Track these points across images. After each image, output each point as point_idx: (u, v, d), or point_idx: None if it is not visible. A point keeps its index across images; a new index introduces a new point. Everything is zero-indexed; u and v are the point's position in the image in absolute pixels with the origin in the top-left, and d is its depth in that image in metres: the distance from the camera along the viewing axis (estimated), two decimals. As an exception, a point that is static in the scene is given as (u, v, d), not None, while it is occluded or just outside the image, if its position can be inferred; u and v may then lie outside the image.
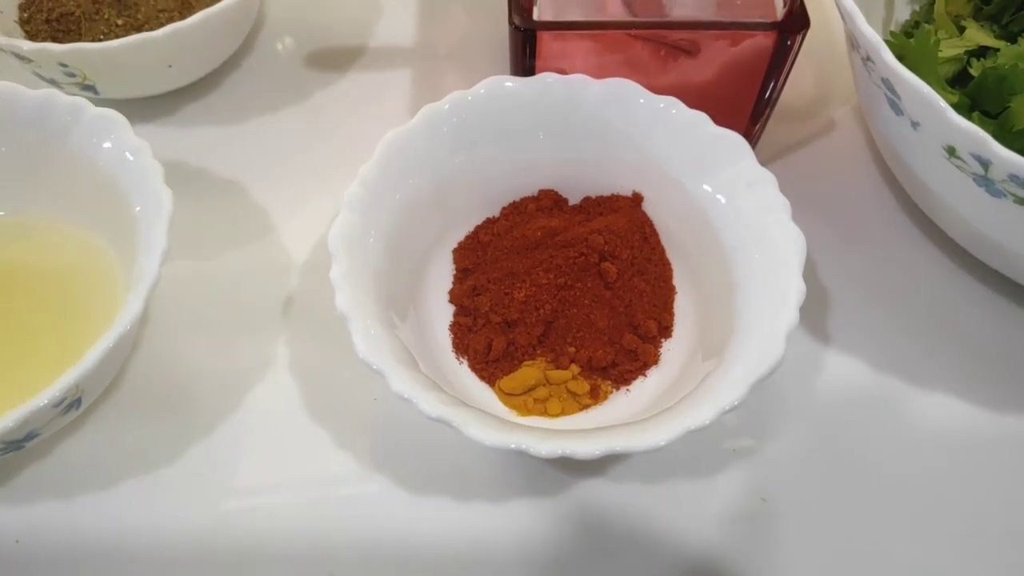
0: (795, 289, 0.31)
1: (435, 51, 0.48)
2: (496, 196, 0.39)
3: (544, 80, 0.37)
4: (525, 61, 0.38)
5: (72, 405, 0.32)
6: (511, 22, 0.37)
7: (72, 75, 0.40)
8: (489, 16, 0.49)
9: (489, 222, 0.39)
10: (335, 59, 0.48)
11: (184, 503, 0.34)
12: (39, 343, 0.35)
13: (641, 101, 0.36)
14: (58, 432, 0.34)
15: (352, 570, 0.33)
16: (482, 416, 0.29)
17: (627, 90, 0.37)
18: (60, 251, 0.37)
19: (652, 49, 0.41)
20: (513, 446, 0.28)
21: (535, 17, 0.37)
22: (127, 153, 0.35)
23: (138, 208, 0.34)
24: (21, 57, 0.40)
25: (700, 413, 0.29)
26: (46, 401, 0.29)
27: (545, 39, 0.38)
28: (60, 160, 0.36)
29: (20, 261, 0.37)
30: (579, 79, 0.37)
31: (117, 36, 0.43)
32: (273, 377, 0.37)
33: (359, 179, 0.34)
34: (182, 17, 0.44)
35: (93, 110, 0.35)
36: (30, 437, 0.32)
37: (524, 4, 0.37)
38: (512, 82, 0.36)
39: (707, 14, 0.40)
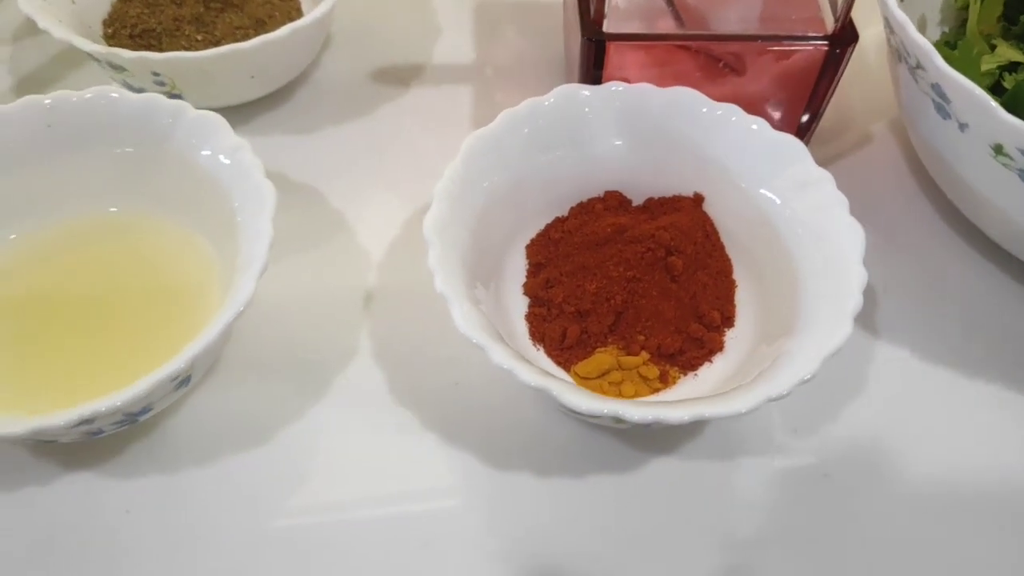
0: (857, 274, 0.34)
1: (490, 68, 0.51)
2: (565, 196, 0.41)
3: (613, 88, 0.39)
4: (593, 71, 0.41)
5: (183, 382, 0.34)
6: (583, 34, 0.40)
7: (162, 83, 0.43)
8: (539, 37, 0.52)
9: (559, 220, 0.41)
10: (398, 75, 0.50)
11: (276, 480, 0.36)
12: (142, 328, 0.37)
13: (703, 109, 0.39)
14: (160, 411, 0.36)
15: (442, 540, 0.35)
16: (574, 386, 0.32)
17: (689, 98, 0.39)
18: (161, 245, 0.39)
19: (702, 62, 0.44)
20: (607, 411, 0.31)
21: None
22: (227, 151, 0.37)
23: (238, 202, 0.37)
24: (115, 66, 0.42)
25: (778, 384, 0.31)
26: (167, 374, 0.31)
27: (609, 51, 0.40)
28: (162, 160, 0.38)
29: (125, 254, 0.39)
30: (645, 87, 0.39)
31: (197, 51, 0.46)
32: (358, 364, 0.39)
33: (447, 175, 0.36)
34: (256, 34, 0.47)
35: (193, 112, 0.38)
36: (145, 411, 0.34)
37: (596, 19, 0.40)
38: (585, 90, 0.39)
39: (750, 29, 0.43)
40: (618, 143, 0.40)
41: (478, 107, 0.49)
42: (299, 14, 0.50)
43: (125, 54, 0.40)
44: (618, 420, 0.33)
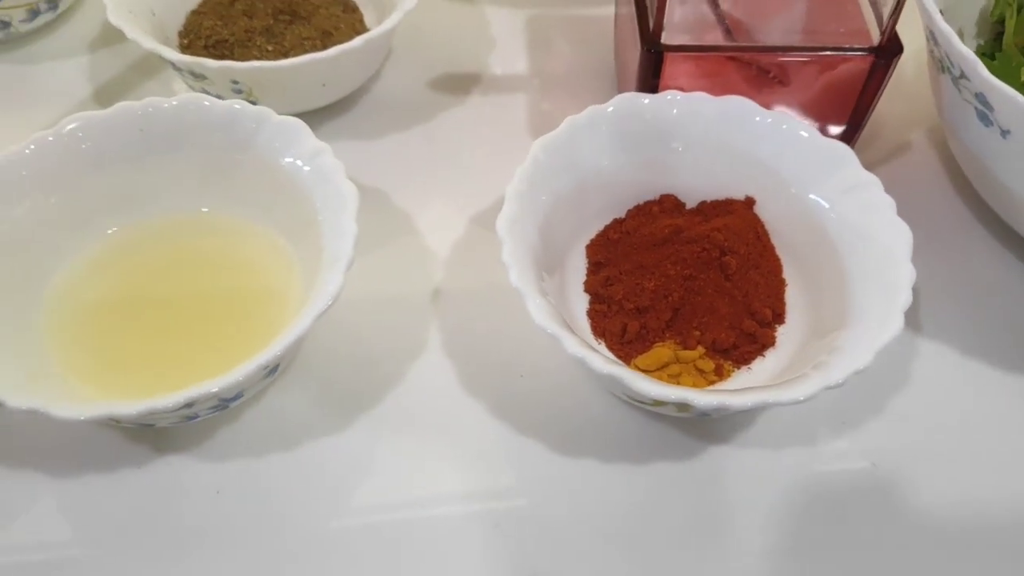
0: (906, 273, 0.36)
1: (544, 79, 0.53)
2: (623, 199, 0.43)
3: (669, 97, 0.42)
4: (651, 80, 0.43)
5: (272, 371, 0.36)
6: (643, 45, 0.42)
7: (240, 91, 0.45)
8: (589, 48, 0.55)
9: (617, 222, 0.43)
10: (454, 85, 0.53)
11: (351, 469, 0.38)
12: (227, 320, 0.39)
13: (756, 117, 0.41)
14: (247, 399, 0.38)
15: (509, 529, 0.37)
16: (642, 375, 0.34)
17: (742, 106, 0.42)
18: (244, 243, 0.41)
19: (748, 72, 0.46)
20: (675, 398, 0.33)
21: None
22: (309, 155, 0.39)
23: (319, 203, 0.39)
24: (197, 75, 0.45)
25: (834, 374, 0.33)
26: (265, 360, 0.33)
27: (665, 61, 0.43)
28: (245, 163, 0.41)
29: (212, 250, 0.41)
30: (700, 96, 0.42)
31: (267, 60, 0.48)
32: (428, 358, 0.41)
33: (517, 177, 0.39)
34: (324, 45, 0.50)
35: (276, 118, 0.40)
36: (237, 397, 0.36)
37: (655, 32, 0.42)
38: (644, 98, 0.41)
39: (794, 41, 0.45)
40: (674, 148, 0.42)
41: (532, 115, 0.51)
42: (362, 26, 0.52)
43: (210, 64, 0.43)
44: (683, 407, 0.35)
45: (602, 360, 0.33)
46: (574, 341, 0.34)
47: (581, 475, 0.38)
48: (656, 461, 0.39)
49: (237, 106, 0.40)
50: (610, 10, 0.55)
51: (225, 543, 0.36)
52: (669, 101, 0.41)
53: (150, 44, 0.44)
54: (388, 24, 0.45)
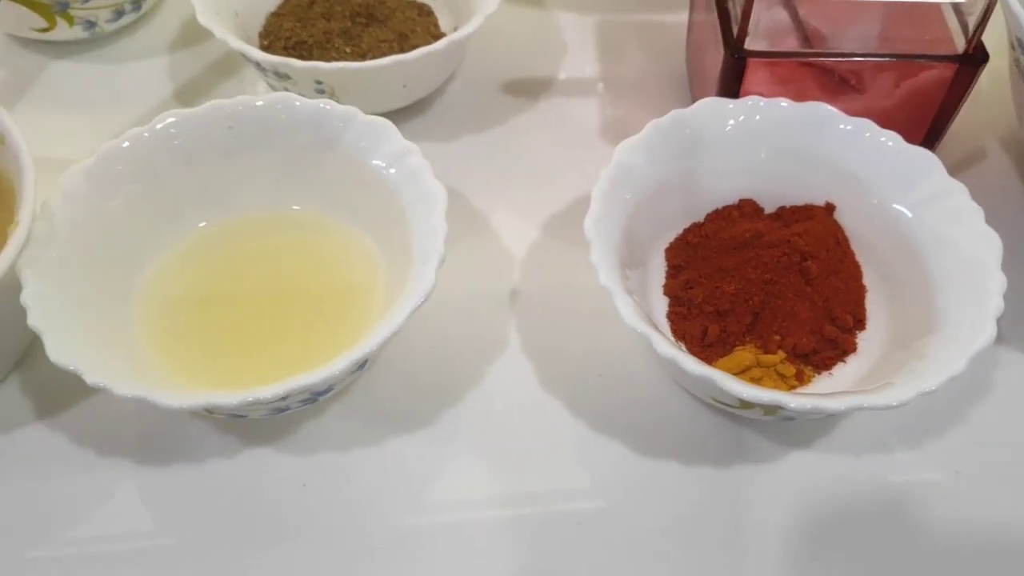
0: (997, 280, 0.36)
1: (614, 84, 0.54)
2: (702, 203, 0.43)
3: (751, 102, 0.42)
4: (733, 85, 0.43)
5: (362, 365, 0.37)
6: (727, 51, 0.42)
7: (323, 91, 0.46)
8: (660, 54, 0.55)
9: (696, 225, 0.43)
10: (526, 89, 0.53)
11: (431, 466, 0.38)
12: (314, 315, 0.40)
13: (838, 124, 0.41)
14: (333, 394, 0.39)
15: (589, 527, 0.37)
16: (732, 376, 0.34)
17: (825, 113, 0.42)
18: (330, 241, 0.42)
19: (824, 79, 0.46)
20: (768, 400, 0.33)
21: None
22: (396, 155, 0.40)
23: (407, 202, 0.39)
24: (281, 75, 0.46)
25: (929, 380, 0.33)
26: (361, 355, 0.34)
27: (748, 67, 0.43)
28: (332, 162, 0.41)
29: (298, 246, 0.42)
30: (783, 102, 0.42)
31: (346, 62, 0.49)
32: (508, 357, 0.42)
33: (602, 178, 0.39)
34: (400, 47, 0.50)
35: (363, 117, 0.41)
36: (327, 391, 0.37)
37: (740, 37, 0.42)
38: (728, 103, 0.41)
39: (870, 48, 0.45)
40: (754, 153, 0.43)
41: (603, 120, 0.52)
42: (437, 29, 0.53)
43: (296, 64, 0.44)
44: (771, 410, 0.35)
45: (694, 361, 0.34)
46: (664, 341, 0.34)
47: (659, 476, 0.38)
48: (735, 464, 0.39)
49: (325, 105, 0.41)
50: (680, 16, 0.55)
51: (308, 535, 0.37)
52: (752, 106, 0.42)
53: (238, 45, 0.45)
54: (470, 27, 0.46)
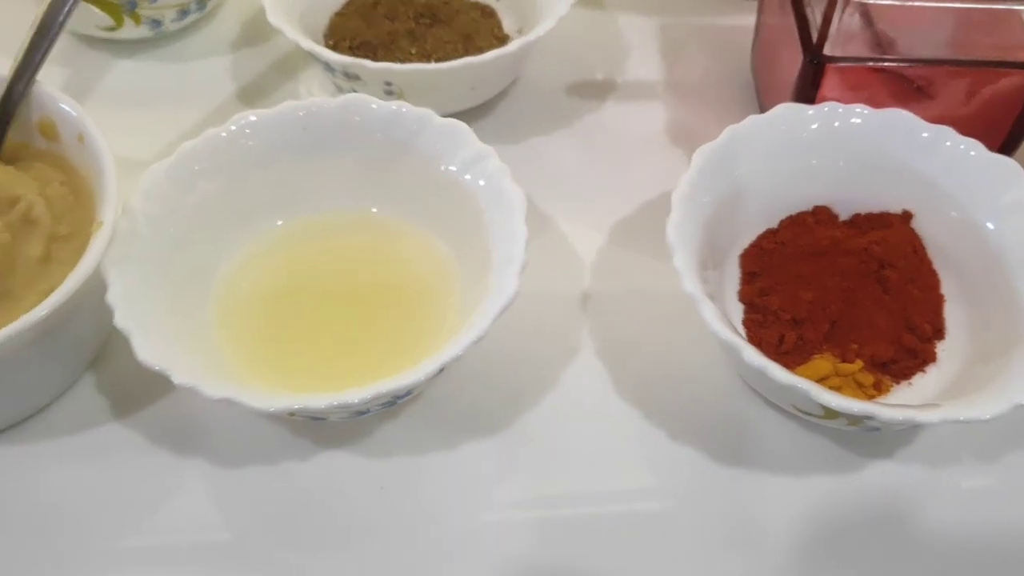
0: (1088, 292, 0.35)
1: (678, 87, 0.53)
2: (776, 209, 0.43)
3: (830, 108, 0.41)
4: (810, 91, 0.43)
5: (441, 369, 0.37)
6: (806, 56, 0.42)
7: (391, 92, 0.46)
8: (724, 57, 0.55)
9: (770, 232, 0.43)
10: (590, 91, 0.53)
11: (505, 469, 0.38)
12: (389, 317, 0.40)
13: (918, 131, 0.41)
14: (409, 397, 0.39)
15: (653, 531, 0.37)
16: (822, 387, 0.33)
17: (904, 119, 0.41)
18: (402, 242, 0.42)
19: (895, 85, 0.45)
20: (857, 411, 0.32)
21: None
22: (473, 158, 0.40)
23: (484, 205, 0.39)
24: (350, 76, 0.46)
25: (1022, 394, 0.33)
26: (446, 359, 0.33)
27: (827, 72, 0.42)
28: (407, 164, 0.41)
29: (370, 249, 0.42)
30: (861, 108, 0.41)
31: (410, 62, 0.49)
32: (582, 361, 0.41)
33: (682, 184, 0.39)
34: (465, 48, 0.50)
35: (439, 120, 0.41)
36: (407, 394, 0.36)
37: (819, 42, 0.42)
38: (808, 109, 0.41)
39: (941, 54, 0.44)
40: (831, 160, 0.42)
41: (668, 123, 0.51)
42: (500, 30, 0.53)
43: (368, 65, 0.44)
44: (856, 420, 0.35)
45: (783, 371, 0.33)
46: (753, 350, 0.34)
47: (735, 484, 0.38)
48: (812, 473, 0.38)
49: (401, 107, 0.41)
50: (744, 19, 0.55)
51: (386, 537, 0.37)
52: (830, 112, 0.41)
53: (308, 45, 0.45)
54: (542, 29, 0.45)
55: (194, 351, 0.36)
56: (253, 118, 0.40)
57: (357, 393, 0.32)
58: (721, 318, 0.35)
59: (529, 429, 0.39)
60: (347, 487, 0.38)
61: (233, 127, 0.40)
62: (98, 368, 0.40)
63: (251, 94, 0.52)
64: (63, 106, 0.39)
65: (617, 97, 0.53)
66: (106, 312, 0.35)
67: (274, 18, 0.46)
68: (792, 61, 0.44)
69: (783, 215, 0.43)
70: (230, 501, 0.37)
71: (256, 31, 0.55)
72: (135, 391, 0.40)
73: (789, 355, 0.40)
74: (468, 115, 0.51)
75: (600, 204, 0.47)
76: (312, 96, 0.51)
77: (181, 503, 0.37)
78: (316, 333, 0.39)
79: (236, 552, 0.36)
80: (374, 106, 0.41)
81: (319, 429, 0.39)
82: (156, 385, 0.39)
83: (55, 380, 0.39)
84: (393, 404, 0.37)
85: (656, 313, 0.43)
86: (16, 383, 0.36)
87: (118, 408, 0.39)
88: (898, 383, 0.39)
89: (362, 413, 0.36)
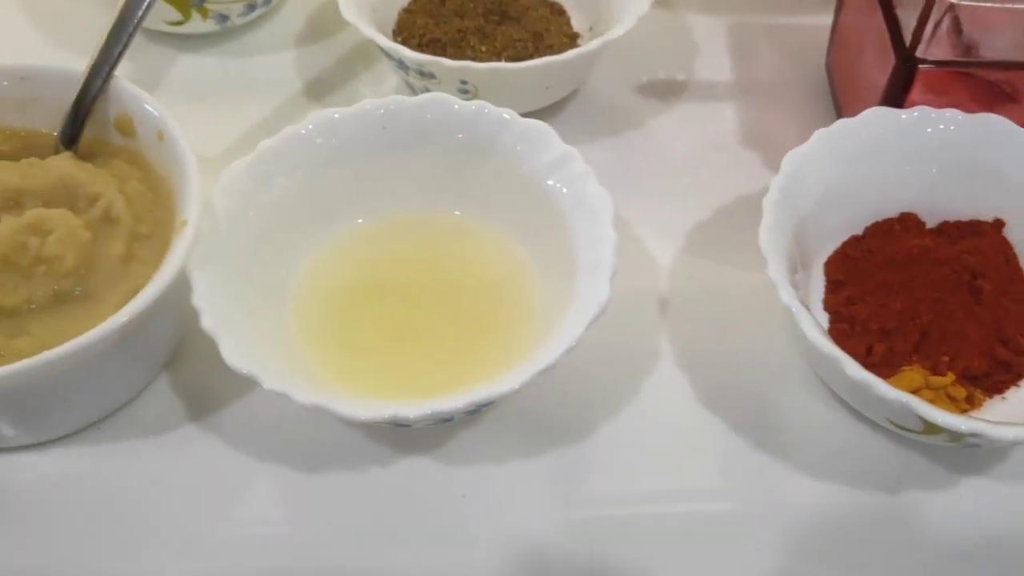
0: None
1: (749, 87, 0.52)
2: (860, 215, 0.42)
3: (921, 112, 0.40)
4: (901, 95, 0.42)
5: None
6: (899, 59, 0.41)
7: (466, 91, 0.45)
8: (796, 57, 0.53)
9: (855, 239, 0.42)
10: (660, 91, 0.52)
11: (591, 474, 0.38)
12: (469, 321, 0.39)
13: (1016, 137, 0.40)
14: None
15: (729, 538, 0.36)
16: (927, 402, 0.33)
17: (1000, 125, 0.40)
18: (480, 245, 0.41)
19: (977, 89, 0.44)
20: (965, 428, 0.32)
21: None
22: (556, 160, 0.39)
23: (568, 208, 0.38)
24: (425, 74, 0.45)
25: None
26: (543, 367, 0.33)
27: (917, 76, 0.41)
28: (486, 165, 0.40)
29: (449, 251, 0.41)
30: (955, 113, 0.40)
31: (480, 60, 0.48)
32: (663, 369, 0.41)
33: (772, 187, 0.38)
34: (535, 45, 0.49)
35: (522, 121, 0.40)
36: (491, 401, 0.36)
37: (912, 45, 0.40)
38: (901, 113, 0.40)
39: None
40: (921, 166, 0.41)
41: (740, 124, 0.50)
42: (570, 28, 0.52)
43: (446, 63, 0.43)
44: (957, 437, 0.33)
45: (887, 386, 0.32)
46: (856, 365, 0.33)
47: (826, 499, 0.37)
48: (905, 489, 0.37)
49: (483, 108, 0.40)
50: (816, 19, 0.54)
51: (469, 546, 0.36)
52: (922, 117, 0.40)
53: (384, 42, 0.44)
54: (621, 28, 0.45)
55: (275, 353, 0.36)
56: (334, 116, 0.39)
57: (451, 401, 0.31)
58: (820, 331, 0.34)
59: (609, 436, 0.39)
60: (429, 494, 0.37)
61: (312, 125, 0.40)
62: (174, 368, 0.40)
63: (317, 90, 0.52)
64: (144, 103, 0.39)
65: (687, 98, 0.52)
66: (183, 312, 0.35)
67: (348, 13, 0.45)
68: (878, 63, 0.43)
69: (868, 222, 0.42)
70: (309, 506, 0.37)
71: (321, 26, 0.55)
72: (211, 391, 0.39)
73: (877, 367, 0.39)
74: (536, 116, 0.50)
75: (674, 208, 0.46)
76: (381, 92, 0.50)
77: (257, 506, 0.37)
78: (394, 335, 0.39)
79: (315, 559, 0.36)
80: (456, 106, 0.40)
81: (398, 434, 0.38)
82: (231, 385, 0.39)
83: (134, 380, 0.38)
84: (477, 411, 0.36)
85: (736, 319, 0.42)
86: (97, 384, 0.36)
87: (194, 408, 0.39)
88: (991, 397, 0.38)
89: (447, 420, 0.36)
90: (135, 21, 0.40)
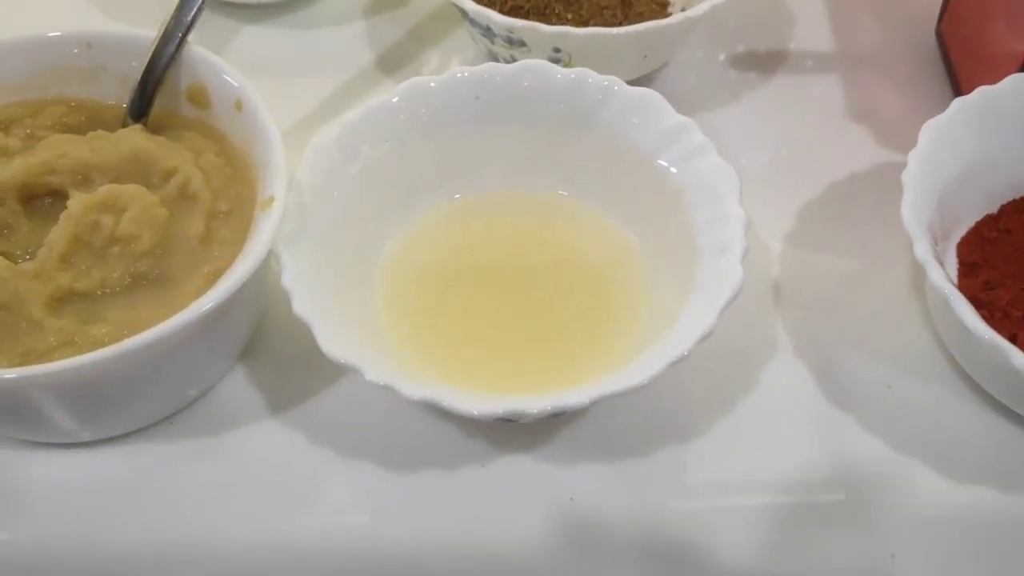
0: None
1: (852, 57, 0.49)
2: (995, 193, 0.39)
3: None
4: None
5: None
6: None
7: (558, 60, 0.42)
8: (901, 25, 0.50)
9: (990, 219, 0.38)
10: (758, 63, 0.49)
11: (712, 476, 0.35)
12: (573, 305, 0.36)
13: None
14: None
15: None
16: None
17: None
18: (580, 223, 0.38)
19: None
20: None
21: None
22: (670, 132, 0.36)
23: (682, 185, 0.35)
24: (514, 41, 0.42)
25: None
26: (673, 358, 0.30)
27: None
28: (589, 137, 0.37)
29: (545, 230, 0.38)
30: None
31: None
32: (781, 360, 0.37)
33: (911, 160, 0.35)
34: (623, 13, 0.46)
35: (629, 89, 0.37)
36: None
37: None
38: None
39: None
40: (1067, 138, 0.37)
41: (846, 96, 0.47)
42: (659, -7, 0.48)
43: (543, 28, 0.40)
44: None
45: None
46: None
47: (966, 498, 0.34)
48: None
49: (586, 76, 0.37)
50: (923, -16, 0.50)
51: (582, 549, 0.33)
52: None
53: (471, 6, 0.41)
54: (729, -8, 0.41)
55: (365, 340, 0.33)
56: (428, 84, 0.36)
57: (574, 395, 0.28)
58: (979, 317, 0.30)
59: (727, 431, 0.35)
60: (535, 495, 0.34)
61: (401, 95, 0.37)
62: (252, 355, 0.37)
63: (388, 62, 0.49)
64: (222, 72, 0.36)
65: (787, 69, 0.48)
66: (262, 295, 0.32)
67: (431, -21, 0.42)
68: (1014, 27, 0.39)
69: (1002, 200, 0.39)
70: (395, 503, 0.34)
71: (385, -2, 0.52)
72: (290, 381, 0.36)
73: (1022, 357, 0.35)
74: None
75: (780, 185, 0.43)
76: (456, 64, 0.47)
77: (344, 504, 0.34)
78: (491, 322, 0.36)
79: (399, 557, 0.33)
80: (558, 75, 0.37)
81: (495, 429, 0.35)
82: (311, 375, 0.36)
83: (211, 370, 0.35)
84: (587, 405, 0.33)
85: (856, 304, 0.39)
86: (173, 375, 0.33)
87: (273, 402, 0.36)
88: None
89: (559, 415, 0.32)
90: (209, -19, 0.37)
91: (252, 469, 0.35)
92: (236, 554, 0.33)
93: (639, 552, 0.33)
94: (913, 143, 0.36)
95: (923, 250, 0.32)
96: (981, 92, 0.36)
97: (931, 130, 0.35)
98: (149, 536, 0.33)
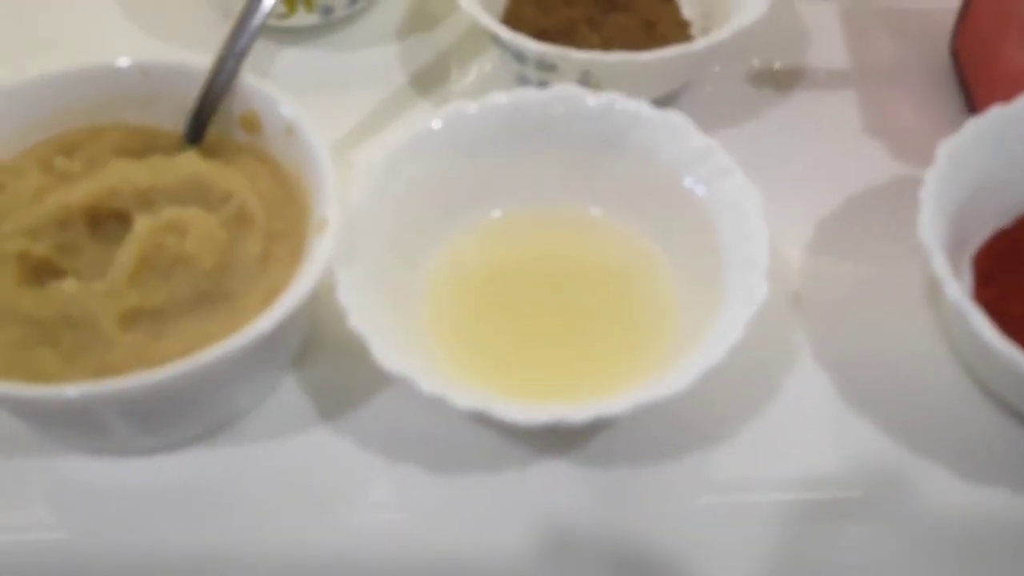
0: None
1: (868, 74, 0.51)
2: (1009, 206, 0.40)
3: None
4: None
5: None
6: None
7: (586, 83, 0.44)
8: (915, 41, 0.52)
9: (1005, 231, 0.40)
10: (776, 80, 0.50)
11: (737, 475, 0.36)
12: (597, 317, 0.38)
13: None
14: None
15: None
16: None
17: None
18: (611, 242, 0.40)
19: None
20: None
21: None
22: (696, 154, 0.38)
23: (709, 204, 0.37)
24: (546, 65, 0.44)
25: None
26: (709, 365, 0.31)
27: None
28: (618, 159, 0.39)
29: (578, 247, 0.40)
30: (1115, 98, 0.38)
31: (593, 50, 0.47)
32: (802, 367, 0.39)
33: (929, 179, 0.36)
34: (648, 35, 0.48)
35: (655, 113, 0.39)
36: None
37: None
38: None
39: None
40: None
41: (862, 112, 0.49)
42: (680, 16, 0.50)
43: (574, 55, 0.42)
44: None
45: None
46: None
47: (979, 501, 0.36)
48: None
49: (615, 101, 0.39)
50: (936, 3, 0.52)
51: (617, 551, 0.35)
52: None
53: (506, 34, 0.43)
54: (755, 13, 0.43)
55: (415, 351, 0.35)
56: (467, 109, 0.38)
57: (616, 404, 0.30)
58: (995, 330, 0.32)
59: (752, 437, 0.37)
60: (576, 502, 0.36)
61: (441, 118, 0.39)
62: (302, 366, 0.39)
63: (423, 83, 0.51)
64: (275, 100, 0.38)
65: (803, 86, 0.50)
66: (313, 311, 0.34)
67: (467, 4, 0.44)
68: (1026, 47, 0.41)
69: (1017, 212, 0.41)
70: (439, 506, 0.36)
71: (421, 18, 0.54)
72: (339, 390, 0.38)
73: (1036, 366, 0.37)
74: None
75: (799, 199, 0.45)
76: (487, 85, 0.49)
77: (391, 511, 0.36)
78: (527, 330, 0.38)
79: (441, 560, 0.35)
80: (589, 101, 0.39)
81: (536, 437, 0.37)
82: (360, 385, 0.38)
83: (266, 381, 0.37)
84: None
85: (874, 315, 0.40)
86: (236, 384, 0.35)
87: (325, 410, 0.38)
88: None
89: (597, 423, 0.34)
90: (259, 17, 0.39)
91: (301, 474, 0.37)
92: (286, 555, 0.35)
93: (668, 550, 0.35)
94: (928, 157, 0.37)
95: (940, 266, 0.34)
96: (997, 110, 0.38)
97: (948, 149, 0.37)
98: (203, 538, 0.35)
